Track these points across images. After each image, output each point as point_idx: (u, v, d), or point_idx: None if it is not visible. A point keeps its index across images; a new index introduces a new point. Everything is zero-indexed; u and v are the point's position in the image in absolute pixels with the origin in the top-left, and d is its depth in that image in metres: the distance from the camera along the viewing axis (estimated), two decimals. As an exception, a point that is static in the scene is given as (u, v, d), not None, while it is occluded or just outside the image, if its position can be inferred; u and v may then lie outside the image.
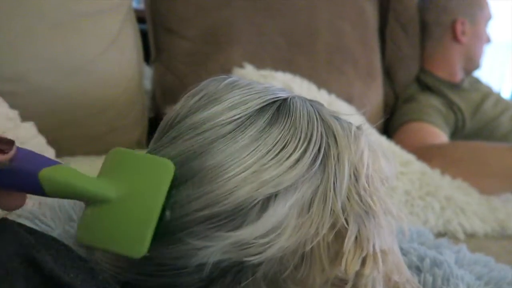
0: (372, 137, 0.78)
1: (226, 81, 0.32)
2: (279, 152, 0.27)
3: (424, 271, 0.41)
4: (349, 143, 0.30)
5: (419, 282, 0.40)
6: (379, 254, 0.29)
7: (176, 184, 0.27)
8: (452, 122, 1.10)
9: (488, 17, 1.19)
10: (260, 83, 0.33)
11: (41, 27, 0.68)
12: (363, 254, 0.28)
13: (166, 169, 0.26)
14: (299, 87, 0.83)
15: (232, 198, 0.26)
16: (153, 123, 0.89)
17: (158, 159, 0.27)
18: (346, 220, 0.28)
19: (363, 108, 0.97)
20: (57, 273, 0.22)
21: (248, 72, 0.84)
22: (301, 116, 0.30)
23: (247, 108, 0.29)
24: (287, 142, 0.28)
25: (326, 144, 0.29)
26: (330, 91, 0.88)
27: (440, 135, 1.03)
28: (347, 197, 0.29)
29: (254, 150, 0.27)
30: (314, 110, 0.31)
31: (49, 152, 0.57)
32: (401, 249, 0.44)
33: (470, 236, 0.73)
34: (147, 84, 0.96)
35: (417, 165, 0.81)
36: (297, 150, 0.28)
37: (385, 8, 1.17)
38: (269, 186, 0.26)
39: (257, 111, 0.29)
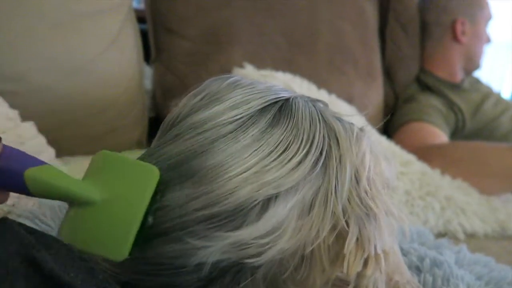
0: (373, 137, 0.78)
1: (228, 81, 0.32)
2: (281, 154, 0.27)
3: (424, 271, 0.41)
4: (351, 145, 0.30)
5: (419, 282, 0.40)
6: (381, 255, 0.29)
7: (162, 188, 0.27)
8: (452, 122, 1.10)
9: (488, 17, 1.19)
10: (263, 82, 0.33)
11: (41, 27, 0.68)
12: (365, 255, 0.28)
13: (151, 175, 0.27)
14: (299, 87, 0.83)
15: (232, 199, 0.26)
16: (153, 123, 0.89)
17: (144, 165, 0.27)
18: (346, 222, 0.28)
19: (364, 108, 0.97)
20: (57, 272, 0.22)
21: (248, 72, 0.84)
22: (303, 117, 0.30)
23: (248, 108, 0.29)
24: (289, 143, 0.28)
25: (328, 146, 0.29)
26: (330, 91, 0.88)
27: (440, 135, 1.03)
28: (348, 199, 0.29)
29: (256, 150, 0.27)
30: (316, 111, 0.31)
31: (49, 152, 0.57)
32: (402, 249, 0.44)
33: (470, 237, 0.73)
34: (147, 84, 0.96)
35: (417, 165, 0.81)
36: (299, 152, 0.28)
37: (385, 8, 1.17)
38: (270, 187, 0.26)
39: (259, 111, 0.29)
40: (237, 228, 0.26)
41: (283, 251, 0.27)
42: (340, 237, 0.28)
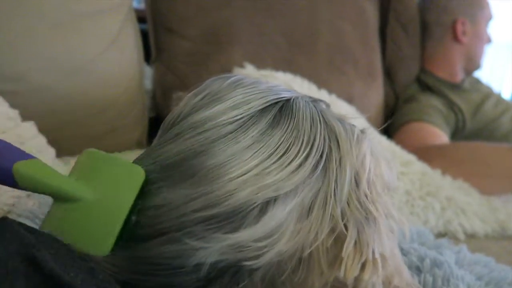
0: (373, 137, 0.78)
1: (230, 80, 0.32)
2: (281, 156, 0.27)
3: (424, 272, 0.41)
4: (351, 147, 0.30)
5: (419, 282, 0.40)
6: (378, 259, 0.29)
7: (157, 187, 0.27)
8: (452, 122, 1.10)
9: (489, 17, 1.19)
10: (265, 82, 0.33)
11: (41, 26, 0.68)
12: (363, 259, 0.28)
13: (136, 176, 0.27)
14: (299, 87, 0.83)
15: (231, 200, 0.26)
16: (154, 123, 0.89)
17: (130, 165, 0.28)
18: (345, 225, 0.28)
19: (364, 108, 0.97)
20: (57, 272, 0.22)
21: (248, 72, 0.83)
22: (304, 118, 0.30)
23: (249, 109, 0.29)
24: (289, 145, 0.28)
25: (328, 148, 0.29)
26: (330, 91, 0.88)
27: (440, 135, 1.03)
28: (347, 202, 0.29)
29: (256, 152, 0.27)
30: (317, 112, 0.31)
31: (49, 152, 0.57)
32: (402, 249, 0.44)
33: (471, 237, 0.73)
34: (148, 84, 0.95)
35: (417, 165, 0.81)
36: (299, 154, 0.28)
37: (386, 8, 1.17)
38: (270, 190, 0.26)
39: (259, 112, 0.29)
40: (236, 230, 0.26)
41: (281, 253, 0.27)
42: (339, 240, 0.28)
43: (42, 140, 0.56)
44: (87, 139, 0.75)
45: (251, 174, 0.26)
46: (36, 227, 0.34)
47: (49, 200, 0.40)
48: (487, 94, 1.16)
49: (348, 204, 0.29)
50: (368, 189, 0.30)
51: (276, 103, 0.30)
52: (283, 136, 0.28)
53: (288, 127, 0.29)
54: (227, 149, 0.27)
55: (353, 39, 1.06)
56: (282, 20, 0.97)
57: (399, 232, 0.33)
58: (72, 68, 0.71)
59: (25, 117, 0.55)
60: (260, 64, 0.86)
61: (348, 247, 0.28)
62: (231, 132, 0.28)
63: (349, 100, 0.93)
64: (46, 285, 0.21)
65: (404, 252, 0.44)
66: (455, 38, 1.15)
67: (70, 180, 0.27)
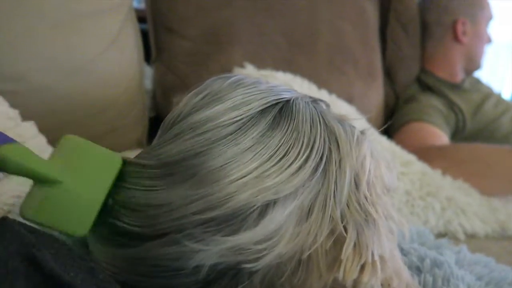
0: (373, 137, 0.78)
1: (230, 80, 0.31)
2: (281, 158, 0.27)
3: (424, 272, 0.41)
4: (351, 149, 0.30)
5: (419, 282, 0.40)
6: (377, 262, 0.29)
7: (125, 178, 0.27)
8: (452, 122, 1.10)
9: (489, 17, 1.19)
10: (265, 82, 0.33)
11: (42, 26, 0.68)
12: (362, 261, 0.28)
13: (114, 161, 0.29)
14: (299, 87, 0.83)
15: (231, 203, 0.25)
16: (154, 123, 0.89)
17: (108, 151, 0.29)
18: (345, 227, 0.28)
19: (364, 108, 0.97)
20: (57, 272, 0.22)
21: (248, 72, 0.84)
22: (304, 120, 0.30)
23: (249, 109, 0.29)
24: (289, 147, 0.28)
25: (328, 150, 0.29)
26: (330, 91, 0.88)
27: (440, 136, 1.03)
28: (347, 204, 0.29)
29: (256, 154, 0.27)
30: (317, 113, 0.31)
31: (49, 152, 0.57)
32: (402, 249, 0.44)
33: (471, 237, 0.73)
34: (148, 84, 0.96)
35: (418, 166, 0.81)
36: (299, 157, 0.28)
37: (386, 8, 1.17)
38: (270, 193, 0.26)
39: (259, 113, 0.29)
40: (235, 232, 0.26)
41: (281, 256, 0.27)
42: (338, 242, 0.28)
43: (42, 140, 0.56)
44: (87, 139, 0.74)
45: (251, 177, 0.26)
46: (37, 227, 0.34)
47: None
48: (487, 94, 1.16)
49: (348, 206, 0.28)
50: (368, 191, 0.30)
51: (276, 104, 0.30)
52: (283, 138, 0.28)
53: (288, 128, 0.29)
54: (227, 150, 0.27)
55: (353, 39, 1.06)
56: (282, 20, 0.97)
57: (399, 233, 0.33)
58: (72, 68, 0.71)
59: (25, 117, 0.55)
60: (260, 64, 0.86)
61: (348, 249, 0.28)
62: (231, 134, 0.28)
63: (349, 100, 0.93)
64: (46, 285, 0.21)
65: (404, 252, 0.44)
66: (456, 38, 1.15)
67: (50, 163, 0.28)
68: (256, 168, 0.26)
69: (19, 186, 0.43)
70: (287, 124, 0.29)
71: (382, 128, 0.77)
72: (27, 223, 0.26)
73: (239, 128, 0.28)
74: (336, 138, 0.30)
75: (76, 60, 0.71)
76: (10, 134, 0.50)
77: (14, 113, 0.54)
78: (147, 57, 0.92)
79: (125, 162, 0.29)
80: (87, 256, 0.25)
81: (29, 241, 0.23)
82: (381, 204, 0.30)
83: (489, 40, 1.20)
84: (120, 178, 0.28)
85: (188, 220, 0.25)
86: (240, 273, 0.27)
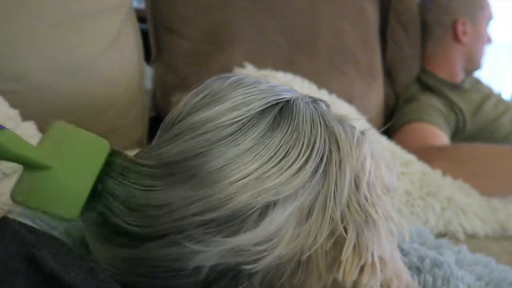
0: (373, 137, 0.78)
1: (230, 80, 0.31)
2: (281, 159, 0.27)
3: (424, 272, 0.41)
4: (351, 149, 0.29)
5: (419, 282, 0.40)
6: (377, 263, 0.28)
7: (165, 183, 0.27)
8: (453, 122, 1.10)
9: (489, 17, 1.19)
10: (265, 82, 0.33)
11: (42, 26, 0.68)
12: (361, 263, 0.28)
13: (102, 147, 0.29)
14: (299, 87, 0.83)
15: (231, 204, 0.25)
16: (154, 122, 0.89)
17: (95, 136, 0.30)
18: (345, 228, 0.28)
19: (364, 108, 0.97)
20: (57, 272, 0.22)
21: (249, 72, 0.84)
22: (304, 120, 0.29)
23: (249, 110, 0.29)
24: (289, 148, 0.28)
25: (328, 150, 0.29)
26: (330, 91, 0.88)
27: (441, 136, 1.03)
28: (347, 205, 0.28)
29: (256, 155, 0.27)
30: (318, 113, 0.31)
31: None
32: (402, 249, 0.44)
33: (471, 237, 0.73)
34: (148, 83, 0.96)
35: (418, 166, 0.81)
36: (299, 157, 0.28)
37: (386, 8, 1.17)
38: (270, 194, 0.26)
39: (259, 113, 0.29)
40: (235, 234, 0.25)
41: (281, 257, 0.26)
42: (338, 243, 0.28)
43: (42, 139, 0.56)
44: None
45: (251, 178, 0.26)
46: (37, 226, 0.34)
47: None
48: (487, 94, 1.16)
49: (348, 207, 0.28)
50: (368, 191, 0.29)
51: (276, 104, 0.30)
52: (283, 138, 0.28)
53: (288, 129, 0.29)
54: (227, 151, 0.27)
55: (354, 39, 1.06)
56: (283, 20, 0.97)
57: (398, 234, 0.33)
58: (72, 68, 0.71)
59: (25, 116, 0.55)
60: (260, 64, 0.86)
61: (348, 250, 0.28)
62: (231, 134, 0.27)
63: (349, 100, 0.93)
64: (46, 285, 0.21)
65: (404, 253, 0.44)
66: (456, 38, 1.15)
67: (39, 149, 0.28)
68: (256, 169, 0.26)
69: (19, 186, 0.43)
70: (288, 125, 0.29)
71: (383, 129, 0.77)
72: (27, 223, 0.26)
73: (239, 129, 0.28)
74: (336, 139, 0.30)
75: (76, 60, 0.71)
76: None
77: (14, 113, 0.54)
78: (147, 57, 0.92)
79: (114, 151, 0.30)
80: (87, 256, 0.25)
81: (29, 241, 0.23)
82: (381, 205, 0.30)
83: (489, 40, 1.20)
84: (119, 172, 0.29)
85: (188, 221, 0.25)
86: (240, 274, 0.27)
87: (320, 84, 0.88)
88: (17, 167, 0.38)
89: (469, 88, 1.16)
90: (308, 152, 0.28)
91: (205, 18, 0.90)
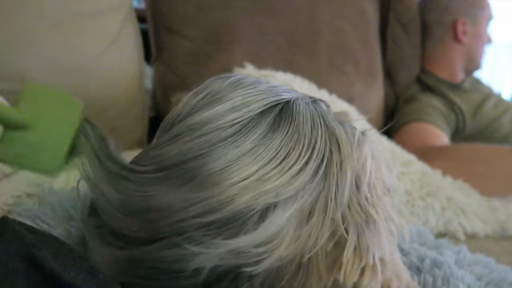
0: (373, 137, 0.78)
1: (230, 80, 0.31)
2: (282, 161, 0.27)
3: (424, 272, 0.41)
4: (352, 150, 0.29)
5: (419, 282, 0.40)
6: (378, 264, 0.28)
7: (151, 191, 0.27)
8: (453, 122, 1.10)
9: (489, 17, 1.19)
10: (265, 82, 0.32)
11: (42, 26, 0.68)
12: (362, 264, 0.28)
13: (76, 104, 0.33)
14: (300, 87, 0.83)
15: (232, 206, 0.25)
16: (154, 122, 0.89)
17: (68, 96, 0.32)
18: (346, 229, 0.28)
19: (364, 108, 0.97)
20: (57, 272, 0.22)
21: (249, 72, 0.84)
22: (304, 121, 0.29)
23: (249, 111, 0.29)
24: (290, 149, 0.28)
25: (329, 151, 0.29)
26: (330, 91, 0.88)
27: (441, 136, 1.03)
28: (348, 206, 0.28)
29: (257, 156, 0.27)
30: (318, 114, 0.31)
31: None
32: (402, 249, 0.44)
33: (471, 237, 0.73)
34: (148, 83, 0.96)
35: (418, 166, 0.81)
36: (300, 159, 0.27)
37: (386, 8, 1.17)
38: (270, 196, 0.26)
39: (259, 114, 0.29)
40: (235, 236, 0.25)
41: (281, 259, 0.26)
42: (338, 244, 0.28)
43: (42, 139, 0.56)
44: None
45: (251, 180, 0.26)
46: (37, 226, 0.34)
47: (50, 199, 0.40)
48: (487, 94, 1.16)
49: (349, 208, 0.28)
50: (368, 192, 0.29)
51: (276, 105, 0.30)
52: (284, 139, 0.28)
53: (288, 130, 0.28)
54: (227, 153, 0.27)
55: (354, 39, 1.06)
56: (283, 20, 0.97)
57: (399, 235, 0.33)
58: (72, 68, 0.71)
59: (25, 116, 0.55)
60: (261, 64, 0.86)
61: (349, 252, 0.27)
62: (231, 136, 0.27)
63: (349, 100, 0.93)
64: (46, 284, 0.21)
65: (404, 253, 0.44)
66: (456, 38, 1.15)
67: (18, 110, 0.30)
68: (257, 171, 0.26)
69: (19, 186, 0.43)
70: (288, 126, 0.29)
71: (383, 129, 0.77)
72: (27, 223, 0.26)
73: (239, 131, 0.28)
74: (337, 140, 0.29)
75: (76, 60, 0.71)
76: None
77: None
78: (147, 57, 0.92)
79: (87, 121, 0.32)
80: (87, 256, 0.25)
81: (29, 241, 0.23)
82: (381, 206, 0.30)
83: (489, 40, 1.19)
84: (114, 179, 0.29)
85: (188, 223, 0.25)
86: (240, 275, 0.27)
87: (320, 84, 0.88)
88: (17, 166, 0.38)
89: (469, 88, 1.16)
90: (308, 153, 0.28)
91: (205, 18, 0.90)
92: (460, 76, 1.16)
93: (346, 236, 0.28)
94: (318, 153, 0.28)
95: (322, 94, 0.85)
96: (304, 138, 0.28)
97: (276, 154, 0.27)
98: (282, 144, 0.28)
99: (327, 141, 0.29)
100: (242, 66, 0.86)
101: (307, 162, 0.28)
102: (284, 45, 0.96)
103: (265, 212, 0.26)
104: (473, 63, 1.18)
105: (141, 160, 0.29)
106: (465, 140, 1.07)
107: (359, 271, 0.28)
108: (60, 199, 0.40)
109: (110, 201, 0.27)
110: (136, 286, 0.27)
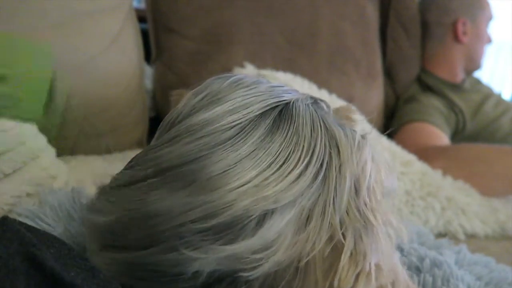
0: (373, 138, 0.78)
1: (230, 80, 0.31)
2: (281, 165, 0.27)
3: (424, 272, 0.41)
4: (351, 154, 0.29)
5: (419, 282, 0.40)
6: (372, 271, 0.28)
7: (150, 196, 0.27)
8: (453, 122, 1.10)
9: (489, 17, 1.19)
10: (266, 82, 0.32)
11: (42, 26, 0.68)
12: (357, 270, 0.27)
13: (45, 47, 0.30)
14: (300, 87, 0.83)
15: (231, 211, 0.25)
16: (154, 122, 0.89)
17: (34, 41, 0.31)
18: (343, 234, 0.27)
19: (364, 108, 0.97)
20: (58, 271, 0.22)
21: (249, 72, 0.84)
22: (304, 123, 0.29)
23: (248, 113, 0.28)
24: (289, 153, 0.27)
25: (328, 155, 0.28)
26: (331, 91, 0.88)
27: (441, 136, 1.03)
28: (346, 211, 0.28)
29: (256, 161, 0.26)
30: (317, 116, 0.30)
31: (50, 152, 0.57)
32: (401, 250, 0.44)
33: (471, 237, 0.73)
34: (148, 83, 0.96)
35: (418, 166, 0.81)
36: (299, 163, 0.27)
37: (386, 8, 1.17)
38: (269, 202, 0.26)
39: (258, 116, 0.29)
40: (233, 241, 0.25)
41: (279, 264, 0.26)
42: (335, 249, 0.27)
43: (42, 140, 0.56)
44: (87, 138, 0.75)
45: (250, 185, 0.26)
46: (37, 226, 0.34)
47: (50, 199, 0.40)
48: (488, 94, 1.16)
49: (347, 213, 0.28)
50: (367, 196, 0.29)
51: (276, 106, 0.30)
52: (283, 142, 0.28)
53: (288, 132, 0.28)
54: (227, 156, 0.26)
55: (354, 39, 1.06)
56: (283, 20, 0.97)
57: (397, 239, 0.33)
58: (73, 68, 0.71)
59: (25, 116, 0.55)
60: (261, 64, 0.86)
61: (345, 257, 0.27)
62: (230, 138, 0.27)
63: (350, 100, 0.93)
64: (46, 284, 0.21)
65: (404, 253, 0.44)
66: (456, 38, 1.15)
67: None
68: (256, 176, 0.26)
69: (19, 186, 0.43)
70: (287, 128, 0.28)
71: (386, 133, 0.77)
72: (28, 223, 0.26)
73: (238, 133, 0.27)
74: (336, 143, 0.29)
75: (76, 60, 0.71)
76: (10, 134, 0.50)
77: (15, 112, 0.54)
78: (147, 57, 0.92)
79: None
80: (88, 256, 0.25)
81: (30, 240, 0.23)
82: (380, 210, 0.30)
83: (489, 40, 1.19)
84: (107, 191, 0.28)
85: (186, 228, 0.25)
86: (237, 280, 0.26)
87: (320, 84, 0.88)
88: (17, 167, 0.38)
89: (469, 88, 1.16)
90: (308, 157, 0.28)
91: (206, 18, 0.90)
92: (460, 76, 1.16)
93: (344, 241, 0.27)
94: (317, 157, 0.28)
95: (322, 94, 0.85)
96: (304, 140, 0.28)
97: (276, 158, 0.27)
98: (281, 148, 0.27)
99: (327, 144, 0.29)
100: (242, 66, 0.86)
101: (306, 167, 0.27)
102: (284, 45, 0.96)
103: (263, 218, 0.26)
104: (473, 63, 1.18)
105: (140, 162, 0.28)
106: (465, 140, 1.07)
107: (354, 277, 0.27)
108: (60, 199, 0.40)
109: (101, 211, 0.27)
110: (135, 287, 0.27)
